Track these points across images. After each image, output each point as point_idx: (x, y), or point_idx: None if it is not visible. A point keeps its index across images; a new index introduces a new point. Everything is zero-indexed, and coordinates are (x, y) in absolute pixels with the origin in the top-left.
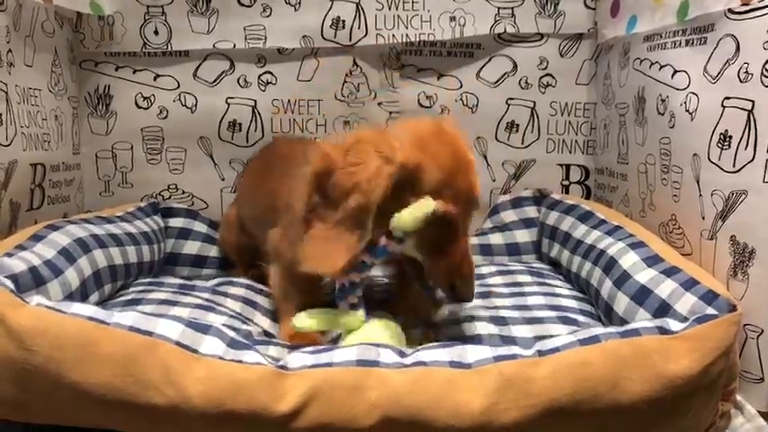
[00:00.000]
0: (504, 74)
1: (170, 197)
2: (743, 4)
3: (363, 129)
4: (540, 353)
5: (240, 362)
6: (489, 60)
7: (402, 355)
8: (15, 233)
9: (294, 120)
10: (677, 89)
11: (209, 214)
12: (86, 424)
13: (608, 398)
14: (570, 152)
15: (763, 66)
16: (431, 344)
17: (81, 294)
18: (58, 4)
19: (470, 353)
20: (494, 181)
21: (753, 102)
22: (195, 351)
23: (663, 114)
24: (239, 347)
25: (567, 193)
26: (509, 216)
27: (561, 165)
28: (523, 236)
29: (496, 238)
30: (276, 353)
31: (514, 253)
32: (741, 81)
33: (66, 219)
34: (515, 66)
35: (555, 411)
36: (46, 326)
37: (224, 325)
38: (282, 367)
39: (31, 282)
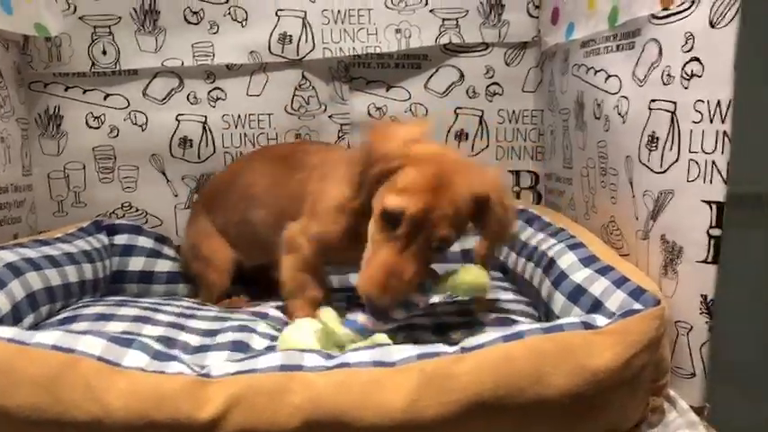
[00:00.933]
0: (452, 84)
1: (124, 215)
2: (663, 9)
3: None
4: (464, 349)
5: (162, 372)
6: (436, 71)
7: (328, 357)
8: None
9: (245, 134)
10: (610, 93)
11: (163, 231)
12: None
13: (531, 392)
14: (520, 158)
15: (683, 68)
16: (357, 345)
17: (13, 318)
18: (0, 27)
19: (395, 352)
20: None
21: (675, 103)
22: (117, 365)
23: (599, 118)
24: (163, 359)
25: (518, 198)
26: None
27: (512, 171)
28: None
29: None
30: (213, 360)
31: (468, 259)
32: (664, 83)
33: None
34: (462, 75)
35: (478, 406)
36: None
37: (160, 336)
38: (205, 375)
39: None
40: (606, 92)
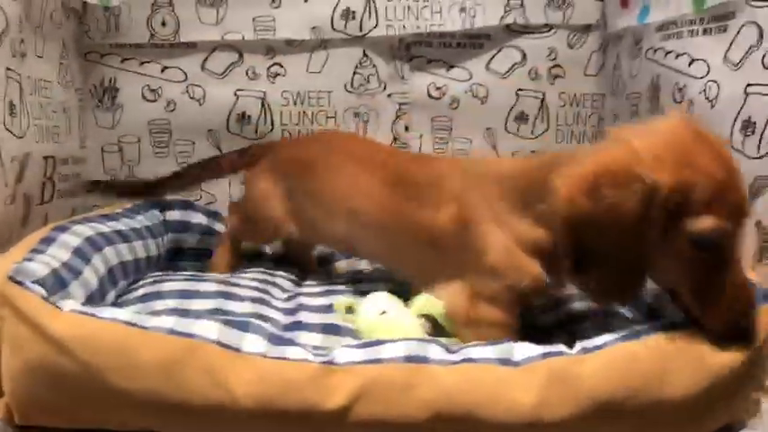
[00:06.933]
0: (514, 65)
1: None
2: None
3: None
4: (585, 350)
5: (285, 359)
6: (499, 51)
7: (449, 351)
8: (27, 228)
9: (304, 112)
10: (695, 77)
11: (217, 208)
12: (130, 428)
13: (655, 393)
14: (579, 142)
15: None
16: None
17: (100, 293)
18: None
19: (517, 350)
20: None
21: None
22: (237, 350)
23: (680, 103)
24: (279, 343)
25: None
26: None
27: None
28: None
29: None
30: (309, 340)
31: None
32: (765, 67)
33: (69, 220)
34: (524, 57)
35: (604, 407)
36: (84, 333)
37: (252, 313)
38: (329, 362)
39: (56, 285)
40: (690, 76)
